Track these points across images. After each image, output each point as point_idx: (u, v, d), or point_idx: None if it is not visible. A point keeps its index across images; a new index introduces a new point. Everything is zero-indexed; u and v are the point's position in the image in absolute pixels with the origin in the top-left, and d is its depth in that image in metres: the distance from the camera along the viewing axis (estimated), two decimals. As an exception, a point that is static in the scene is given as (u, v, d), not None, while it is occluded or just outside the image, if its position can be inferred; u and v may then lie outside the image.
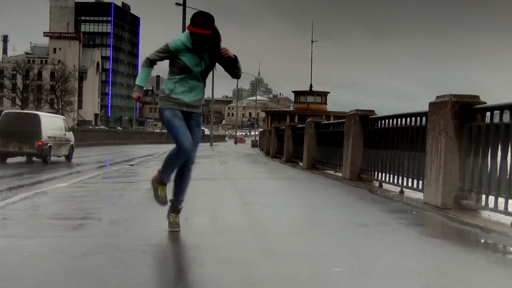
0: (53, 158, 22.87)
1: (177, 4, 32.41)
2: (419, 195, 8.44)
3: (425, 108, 8.14)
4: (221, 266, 4.36)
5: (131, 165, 19.12)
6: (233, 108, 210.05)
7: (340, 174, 13.02)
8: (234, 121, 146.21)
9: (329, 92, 76.49)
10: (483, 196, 6.79)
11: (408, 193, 9.11)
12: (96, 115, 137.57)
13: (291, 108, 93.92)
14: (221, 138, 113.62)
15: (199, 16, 5.55)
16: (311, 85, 75.59)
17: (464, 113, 7.32)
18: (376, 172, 10.85)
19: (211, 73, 5.93)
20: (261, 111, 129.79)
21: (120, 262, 4.51)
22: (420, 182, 8.40)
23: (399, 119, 9.67)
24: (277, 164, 20.68)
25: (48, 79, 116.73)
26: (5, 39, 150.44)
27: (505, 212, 6.29)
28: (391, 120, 10.13)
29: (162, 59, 5.74)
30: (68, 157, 24.37)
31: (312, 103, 73.22)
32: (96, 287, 3.80)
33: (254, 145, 58.51)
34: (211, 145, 58.05)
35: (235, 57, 5.78)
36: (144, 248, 5.00)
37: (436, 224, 6.66)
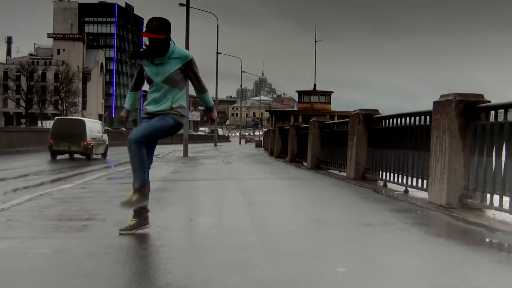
0: (93, 156, 27.44)
1: (181, 4, 32.43)
2: (423, 195, 8.43)
3: (429, 107, 8.12)
4: (226, 266, 4.36)
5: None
6: (237, 108, 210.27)
7: (344, 174, 13.01)
8: (238, 121, 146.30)
9: (333, 92, 76.50)
10: (488, 195, 6.78)
11: (412, 192, 9.10)
12: (100, 116, 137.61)
13: (295, 108, 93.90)
14: (225, 139, 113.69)
15: (152, 22, 5.61)
16: (315, 85, 75.61)
17: (468, 112, 7.30)
18: (380, 172, 10.84)
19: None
20: (265, 111, 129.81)
21: (124, 263, 4.52)
22: (425, 181, 8.39)
23: (403, 118, 9.66)
24: (281, 164, 20.67)
25: (52, 80, 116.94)
26: (9, 40, 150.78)
27: (510, 211, 6.28)
28: (395, 119, 10.12)
29: (139, 76, 5.89)
30: (104, 154, 29.11)
31: (316, 102, 73.21)
32: (101, 288, 3.81)
33: (258, 145, 58.51)
34: (215, 145, 58.11)
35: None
36: (149, 249, 5.00)
37: (441, 224, 6.65)
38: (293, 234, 5.75)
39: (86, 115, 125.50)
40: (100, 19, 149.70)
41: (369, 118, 11.63)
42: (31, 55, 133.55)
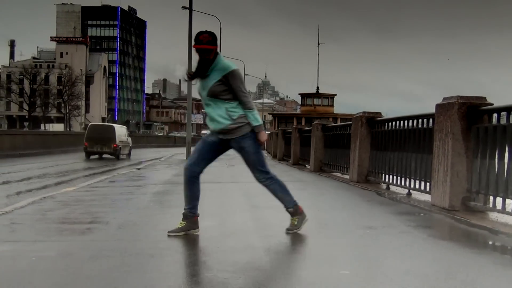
0: (121, 156, 32.27)
1: (184, 7, 32.45)
2: (426, 197, 8.43)
3: (432, 109, 8.12)
4: (229, 269, 4.36)
5: (139, 168, 19.15)
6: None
7: (347, 177, 13.01)
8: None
9: (336, 94, 76.49)
10: (491, 198, 6.77)
11: (415, 195, 9.09)
12: (103, 119, 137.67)
13: (298, 111, 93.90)
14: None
15: (201, 34, 5.60)
16: (317, 88, 75.60)
17: (471, 114, 7.30)
18: (383, 174, 10.83)
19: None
20: (268, 114, 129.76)
21: (127, 266, 4.52)
22: (428, 184, 8.38)
23: (406, 121, 9.65)
24: (284, 167, 20.66)
25: (55, 84, 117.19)
26: (12, 44, 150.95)
27: (513, 213, 6.28)
28: (398, 122, 10.11)
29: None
30: (129, 154, 34.44)
31: (319, 105, 73.20)
32: (104, 291, 3.81)
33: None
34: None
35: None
36: (152, 252, 5.01)
37: (444, 226, 6.64)
38: (296, 237, 5.75)
39: (89, 118, 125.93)
40: (103, 23, 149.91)
41: (372, 121, 11.63)
42: (34, 58, 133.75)
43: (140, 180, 13.67)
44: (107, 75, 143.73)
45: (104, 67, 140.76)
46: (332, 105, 74.35)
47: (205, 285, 3.96)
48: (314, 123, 17.23)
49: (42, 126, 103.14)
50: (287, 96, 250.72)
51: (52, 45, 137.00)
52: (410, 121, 9.42)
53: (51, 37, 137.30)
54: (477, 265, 4.51)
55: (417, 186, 8.92)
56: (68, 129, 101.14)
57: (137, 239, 5.69)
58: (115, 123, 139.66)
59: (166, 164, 22.47)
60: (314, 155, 16.76)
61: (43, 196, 9.61)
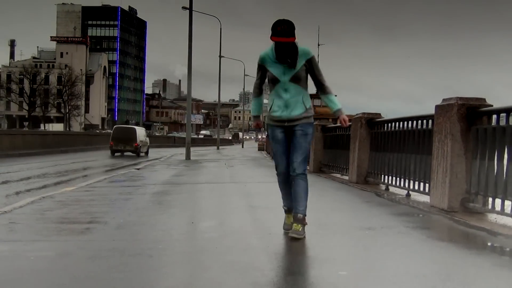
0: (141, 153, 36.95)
1: (184, 8, 32.47)
2: (425, 198, 8.42)
3: (431, 111, 8.12)
4: (227, 270, 4.37)
5: (138, 169, 19.15)
6: (239, 112, 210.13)
7: (346, 177, 13.00)
8: (241, 125, 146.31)
9: (335, 95, 76.19)
10: (490, 199, 6.77)
11: (414, 196, 9.09)
12: (103, 119, 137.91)
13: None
14: (228, 142, 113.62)
15: (279, 25, 5.46)
16: (317, 88, 75.52)
17: (470, 115, 7.30)
18: (382, 175, 10.83)
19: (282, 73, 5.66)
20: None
21: (126, 266, 4.52)
22: (427, 185, 8.39)
23: (405, 122, 9.65)
24: (284, 167, 20.60)
25: (55, 83, 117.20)
26: (12, 43, 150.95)
27: (512, 215, 6.28)
28: (397, 123, 10.11)
29: (261, 78, 5.76)
30: (147, 152, 39.15)
31: (319, 106, 73.02)
32: (102, 291, 3.81)
33: (260, 148, 58.46)
34: (218, 148, 58.12)
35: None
36: (151, 252, 5.01)
37: (443, 227, 6.64)
38: (295, 238, 5.74)
39: (89, 118, 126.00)
40: (103, 23, 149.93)
41: (372, 122, 11.63)
42: (34, 58, 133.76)
43: (139, 180, 13.66)
44: (107, 75, 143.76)
45: (104, 67, 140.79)
46: (332, 106, 74.27)
47: (204, 285, 3.96)
48: (314, 124, 17.21)
49: (42, 126, 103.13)
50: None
51: (52, 45, 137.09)
52: (410, 122, 9.42)
53: (51, 37, 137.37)
54: (475, 267, 4.51)
55: (416, 187, 8.92)
56: (68, 129, 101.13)
57: (136, 239, 5.69)
58: (115, 123, 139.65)
59: (165, 165, 22.47)
60: (314, 156, 16.76)
61: (42, 196, 9.60)
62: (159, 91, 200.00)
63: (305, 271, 4.38)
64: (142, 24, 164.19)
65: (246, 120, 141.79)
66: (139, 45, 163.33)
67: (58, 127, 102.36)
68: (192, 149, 30.57)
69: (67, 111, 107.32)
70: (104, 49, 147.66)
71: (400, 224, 6.54)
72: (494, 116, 6.93)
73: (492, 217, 6.86)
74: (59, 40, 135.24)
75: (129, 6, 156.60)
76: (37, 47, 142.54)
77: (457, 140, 7.31)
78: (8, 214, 7.35)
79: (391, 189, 10.22)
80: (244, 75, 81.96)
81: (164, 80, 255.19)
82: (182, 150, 33.47)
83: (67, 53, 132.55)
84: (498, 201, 6.55)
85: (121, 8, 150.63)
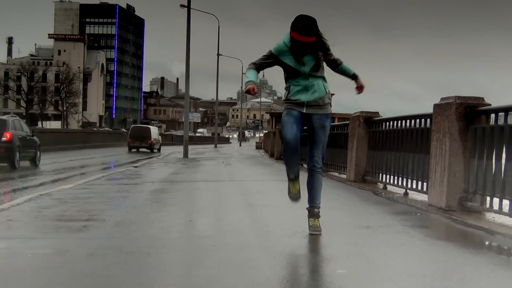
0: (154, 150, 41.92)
1: (182, 6, 32.42)
2: (423, 197, 8.43)
3: (429, 110, 8.13)
4: (224, 267, 4.36)
5: (136, 166, 19.14)
6: (237, 110, 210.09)
7: (344, 176, 13.01)
8: (239, 123, 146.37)
9: (333, 94, 76.39)
10: (488, 198, 6.77)
11: (412, 195, 9.10)
12: (100, 117, 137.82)
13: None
14: (226, 140, 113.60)
15: (301, 22, 5.42)
16: (315, 87, 75.52)
17: (469, 115, 7.30)
18: (380, 174, 10.84)
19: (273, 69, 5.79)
20: (266, 113, 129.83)
21: (124, 264, 4.52)
22: (425, 184, 8.39)
23: (403, 121, 9.65)
24: (282, 166, 20.56)
25: (52, 81, 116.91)
26: (10, 41, 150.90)
27: (510, 214, 6.28)
28: (395, 122, 10.11)
29: (266, 64, 5.68)
30: (159, 149, 44.11)
31: (317, 104, 73.09)
32: (100, 289, 3.81)
33: (258, 147, 58.46)
34: (215, 147, 58.10)
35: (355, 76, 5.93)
36: (148, 250, 5.00)
37: (441, 226, 6.64)
38: (292, 236, 5.74)
39: (87, 116, 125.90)
40: (101, 20, 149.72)
41: (370, 120, 11.63)
42: (32, 55, 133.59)
43: (137, 178, 13.65)
44: (105, 73, 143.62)
45: (102, 64, 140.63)
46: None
47: (202, 283, 3.96)
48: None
49: (39, 123, 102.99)
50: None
51: (50, 43, 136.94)
52: (408, 121, 9.43)
53: (49, 34, 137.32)
54: (473, 265, 4.51)
55: (414, 186, 8.92)
56: (65, 127, 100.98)
57: (133, 237, 5.69)
58: (112, 121, 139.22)
59: (163, 162, 22.45)
60: (311, 155, 16.75)
61: (39, 193, 9.59)
62: (157, 89, 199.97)
63: (303, 269, 4.37)
64: (140, 22, 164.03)
65: (244, 118, 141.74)
66: (137, 43, 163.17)
67: (55, 124, 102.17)
68: (190, 147, 30.55)
69: (64, 108, 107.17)
70: (102, 46, 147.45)
71: (398, 223, 6.54)
72: (493, 115, 6.93)
73: (490, 216, 6.87)
74: (56, 37, 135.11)
75: (127, 4, 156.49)
76: (35, 44, 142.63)
77: (455, 139, 7.32)
78: (6, 211, 7.34)
79: (389, 188, 10.23)
80: (242, 73, 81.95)
81: (162, 78, 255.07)
82: (180, 148, 33.45)
83: (64, 50, 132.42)
84: (496, 200, 6.56)
85: (119, 5, 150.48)
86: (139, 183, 12.24)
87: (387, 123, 10.62)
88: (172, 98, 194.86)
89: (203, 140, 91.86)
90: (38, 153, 21.47)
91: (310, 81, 5.61)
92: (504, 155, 6.44)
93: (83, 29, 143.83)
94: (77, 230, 6.11)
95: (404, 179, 9.35)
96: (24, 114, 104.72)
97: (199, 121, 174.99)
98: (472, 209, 7.12)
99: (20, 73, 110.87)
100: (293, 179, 5.98)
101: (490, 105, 7.18)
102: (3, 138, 18.44)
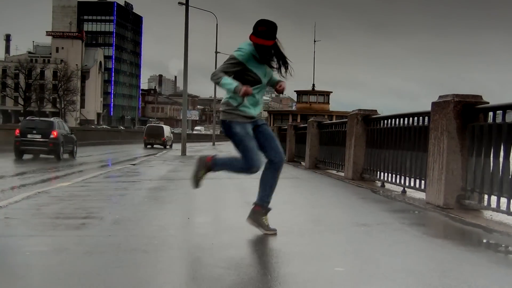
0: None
1: (180, 3, 32.38)
2: (421, 195, 8.44)
3: (427, 107, 8.13)
4: (223, 265, 4.36)
5: (134, 164, 19.12)
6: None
7: (342, 174, 13.01)
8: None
9: (331, 92, 76.40)
10: (486, 196, 6.78)
11: (410, 193, 9.10)
12: (98, 115, 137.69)
13: (294, 108, 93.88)
14: (224, 138, 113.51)
15: (262, 26, 5.38)
16: (313, 85, 75.54)
17: (467, 113, 7.31)
18: (378, 172, 10.84)
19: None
20: (264, 110, 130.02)
21: (122, 262, 4.51)
22: (423, 182, 8.39)
23: (401, 119, 9.66)
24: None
25: (50, 79, 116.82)
26: (8, 38, 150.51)
27: (507, 212, 6.29)
28: (393, 120, 10.11)
29: (232, 73, 5.43)
30: (171, 146, 48.21)
31: (315, 102, 73.15)
32: (98, 287, 3.80)
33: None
34: (213, 144, 58.07)
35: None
36: (146, 248, 5.00)
37: (438, 224, 6.65)
38: (290, 234, 5.75)
39: (84, 113, 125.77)
40: (99, 18, 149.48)
41: (368, 118, 11.63)
42: (29, 53, 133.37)
43: (135, 176, 13.65)
44: (103, 70, 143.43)
45: (100, 62, 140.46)
46: (328, 103, 74.29)
47: (200, 281, 3.96)
48: (310, 120, 17.21)
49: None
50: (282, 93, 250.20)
51: (48, 40, 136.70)
52: (406, 119, 9.43)
53: (47, 31, 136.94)
54: (471, 263, 4.52)
55: (412, 184, 8.93)
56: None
57: (131, 234, 5.68)
58: (110, 119, 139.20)
59: (161, 160, 22.44)
60: (309, 152, 16.76)
61: (37, 191, 9.58)
62: (155, 86, 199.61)
63: (301, 267, 4.38)
64: (138, 19, 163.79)
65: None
66: (135, 41, 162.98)
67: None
68: (187, 144, 30.54)
69: (62, 106, 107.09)
70: (100, 44, 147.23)
71: (396, 221, 6.55)
72: (491, 113, 6.94)
73: (488, 214, 6.88)
74: (54, 35, 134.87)
75: (125, 1, 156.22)
76: (33, 42, 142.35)
77: (453, 137, 7.32)
78: (4, 209, 7.33)
79: (387, 185, 10.24)
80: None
81: (160, 76, 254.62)
82: (178, 146, 33.44)
83: (62, 48, 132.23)
84: (493, 198, 6.57)
85: (117, 3, 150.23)
86: (137, 181, 12.23)
87: (385, 121, 10.62)
88: (170, 96, 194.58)
89: (200, 138, 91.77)
90: (75, 147, 26.93)
91: (260, 96, 5.57)
92: (502, 153, 6.45)
93: (81, 27, 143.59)
94: (75, 228, 6.11)
95: (402, 177, 9.36)
96: (21, 111, 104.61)
97: (197, 118, 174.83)
98: (470, 207, 7.13)
99: (18, 71, 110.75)
100: (267, 211, 5.80)
101: (488, 103, 7.19)
102: (52, 136, 23.89)
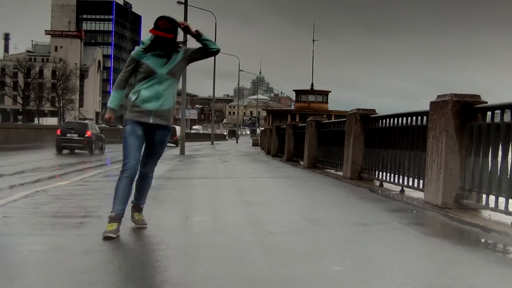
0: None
1: (179, 2, 32.39)
2: (419, 195, 8.44)
3: (425, 107, 8.14)
4: (221, 265, 4.37)
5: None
6: (234, 107, 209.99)
7: (341, 173, 13.02)
8: (235, 120, 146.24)
9: (330, 91, 76.53)
10: (484, 196, 6.79)
11: (408, 192, 9.11)
12: (97, 114, 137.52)
13: (292, 107, 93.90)
14: (222, 137, 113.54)
15: (160, 20, 5.54)
16: (312, 84, 75.59)
17: (465, 112, 7.31)
18: (377, 171, 10.85)
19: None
20: (262, 110, 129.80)
21: (120, 261, 4.52)
22: (421, 181, 8.40)
23: (400, 118, 9.66)
24: (278, 163, 20.67)
25: (49, 77, 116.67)
26: (7, 37, 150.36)
27: (506, 211, 6.29)
28: (392, 119, 10.12)
29: (131, 72, 5.75)
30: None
31: (313, 102, 73.25)
32: (97, 286, 3.80)
33: (255, 144, 58.50)
34: (212, 143, 58.09)
35: (197, 32, 5.77)
36: (145, 247, 5.00)
37: (437, 224, 6.66)
38: (289, 233, 5.75)
39: (83, 112, 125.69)
40: (98, 17, 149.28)
41: (366, 118, 11.64)
42: (28, 51, 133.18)
43: (133, 175, 13.61)
44: (102, 69, 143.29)
45: (99, 61, 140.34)
46: (327, 102, 74.39)
47: (198, 280, 3.96)
48: (308, 119, 17.22)
49: (36, 120, 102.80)
50: (281, 92, 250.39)
51: (47, 39, 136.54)
52: (404, 118, 9.44)
53: (45, 30, 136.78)
54: (469, 263, 4.52)
55: (410, 184, 8.93)
56: (61, 123, 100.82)
57: (130, 233, 5.68)
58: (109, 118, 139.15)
59: (160, 159, 22.40)
60: (308, 152, 16.77)
61: (36, 189, 9.58)
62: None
63: (299, 266, 4.38)
64: (137, 18, 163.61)
65: (240, 115, 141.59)
66: (134, 40, 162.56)
67: (52, 121, 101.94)
68: (186, 144, 30.56)
69: (61, 105, 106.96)
70: (99, 43, 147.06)
71: (394, 220, 6.55)
72: (489, 113, 6.94)
73: (486, 213, 6.88)
74: (53, 34, 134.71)
75: (124, 0, 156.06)
76: (32, 40, 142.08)
77: (451, 136, 7.33)
78: (2, 207, 7.33)
79: (385, 185, 10.24)
80: (239, 70, 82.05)
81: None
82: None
83: (61, 47, 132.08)
84: (492, 198, 6.57)
85: (116, 2, 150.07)
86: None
87: (384, 121, 10.63)
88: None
89: (199, 137, 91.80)
90: (104, 145, 32.17)
91: (164, 88, 5.57)
92: (500, 153, 6.46)
93: (80, 26, 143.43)
94: (73, 226, 6.11)
95: (401, 177, 9.36)
96: (20, 110, 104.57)
97: (196, 118, 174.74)
98: (468, 206, 7.13)
99: (16, 69, 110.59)
100: (113, 218, 5.45)
101: (487, 102, 7.19)
102: (86, 135, 29.06)
